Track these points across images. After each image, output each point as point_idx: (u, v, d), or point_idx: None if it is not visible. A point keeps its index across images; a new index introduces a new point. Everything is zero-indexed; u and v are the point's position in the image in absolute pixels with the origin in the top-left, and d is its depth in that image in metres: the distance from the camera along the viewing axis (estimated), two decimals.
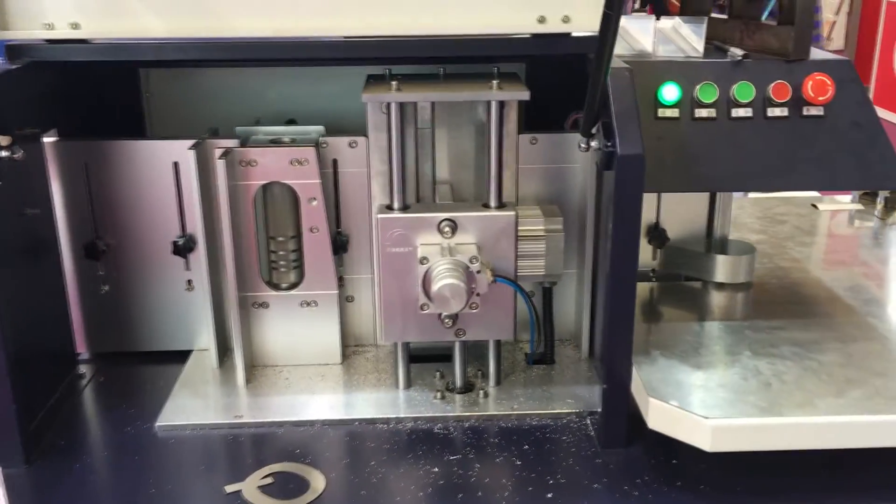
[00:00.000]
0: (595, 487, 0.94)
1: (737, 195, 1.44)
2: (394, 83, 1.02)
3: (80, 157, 1.14)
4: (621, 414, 0.99)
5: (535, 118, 1.20)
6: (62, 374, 1.16)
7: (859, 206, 1.58)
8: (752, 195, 1.63)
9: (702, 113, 1.04)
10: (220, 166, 1.05)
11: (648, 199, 1.24)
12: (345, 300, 1.21)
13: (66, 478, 0.96)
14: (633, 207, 0.92)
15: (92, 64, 1.05)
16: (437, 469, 0.97)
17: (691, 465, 0.96)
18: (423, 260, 1.02)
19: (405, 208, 1.06)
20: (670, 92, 1.02)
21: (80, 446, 1.02)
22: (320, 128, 1.19)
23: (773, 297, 1.19)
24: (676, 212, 1.27)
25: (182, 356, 1.21)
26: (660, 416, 0.91)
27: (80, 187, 1.15)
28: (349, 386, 1.14)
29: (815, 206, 1.59)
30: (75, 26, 1.00)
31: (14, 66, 1.01)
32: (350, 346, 1.23)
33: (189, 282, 1.19)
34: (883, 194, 1.52)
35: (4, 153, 0.94)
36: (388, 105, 1.03)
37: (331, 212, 1.16)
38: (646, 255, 1.26)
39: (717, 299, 1.19)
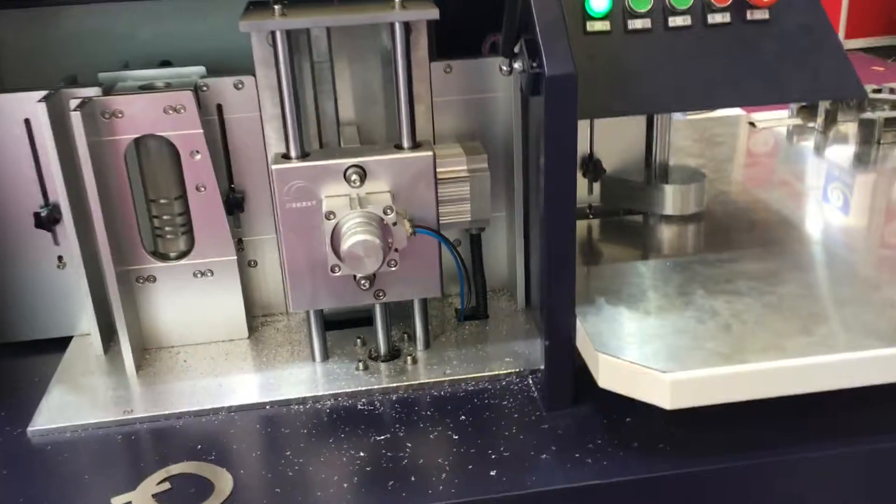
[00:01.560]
0: (543, 458, 0.83)
1: (675, 116, 1.34)
2: (277, 7, 0.86)
3: None
4: (566, 371, 0.88)
5: (448, 44, 1.05)
6: None
7: (798, 121, 1.49)
8: (687, 115, 1.52)
9: (635, 24, 0.91)
10: (75, 119, 0.88)
11: (580, 128, 1.12)
12: (247, 265, 1.06)
13: None
14: (567, 135, 0.79)
15: None
16: (362, 453, 0.85)
17: (647, 423, 0.85)
18: (330, 215, 0.87)
19: (304, 156, 0.91)
20: (599, 2, 0.89)
21: None
22: (200, 69, 1.02)
23: (720, 227, 1.08)
24: (611, 139, 1.14)
25: (61, 344, 1.05)
26: (611, 374, 0.80)
27: None
28: (258, 364, 1.00)
29: (752, 123, 1.49)
30: None
31: None
32: (258, 317, 1.09)
33: (60, 258, 1.02)
34: (823, 106, 1.43)
35: None
36: (273, 35, 0.87)
37: (220, 165, 1.00)
38: (581, 189, 1.14)
39: (662, 233, 1.08)
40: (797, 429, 0.84)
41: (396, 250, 0.90)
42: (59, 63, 1.09)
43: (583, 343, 0.85)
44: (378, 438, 0.87)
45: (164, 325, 1.02)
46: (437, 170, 0.94)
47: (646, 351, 0.80)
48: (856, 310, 0.85)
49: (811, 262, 0.97)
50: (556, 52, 0.77)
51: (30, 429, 0.90)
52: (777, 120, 1.51)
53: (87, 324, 1.03)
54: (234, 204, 1.02)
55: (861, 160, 1.31)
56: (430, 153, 0.91)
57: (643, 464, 0.81)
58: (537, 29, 0.78)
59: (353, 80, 1.01)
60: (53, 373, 0.99)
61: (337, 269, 0.89)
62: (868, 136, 1.34)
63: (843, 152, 1.34)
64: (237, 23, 0.87)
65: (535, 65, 0.79)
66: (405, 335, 1.02)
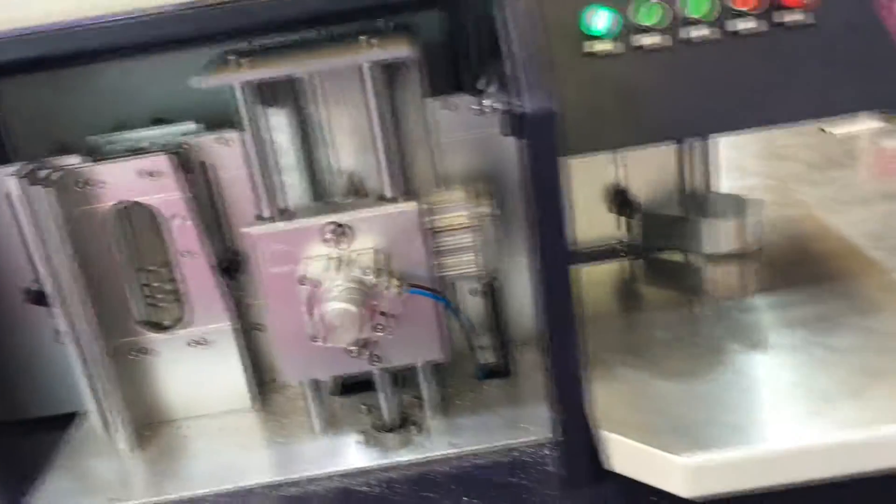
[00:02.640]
0: None
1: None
2: (232, 58, 0.79)
3: None
4: (583, 446, 0.76)
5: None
6: None
7: (881, 124, 1.31)
8: None
9: (644, 40, 0.79)
10: (40, 194, 0.84)
11: (607, 159, 1.01)
12: (253, 330, 0.99)
13: None
14: (552, 179, 0.68)
15: None
16: None
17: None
18: (303, 280, 0.79)
19: (284, 215, 0.84)
20: (598, 18, 0.78)
21: None
22: (194, 126, 0.97)
23: (774, 263, 0.94)
24: (646, 167, 1.02)
25: (67, 420, 1.01)
26: (619, 455, 0.68)
27: None
28: (259, 439, 0.93)
29: (823, 129, 1.32)
30: None
31: None
32: (268, 383, 1.02)
33: (58, 332, 0.98)
34: None
35: None
36: (237, 88, 0.80)
37: (213, 227, 0.94)
38: (611, 226, 1.02)
39: (701, 275, 0.95)
40: None
41: (384, 314, 0.81)
42: (64, 127, 1.07)
43: (597, 415, 0.74)
44: None
45: (164, 398, 0.97)
46: (434, 218, 0.85)
47: (660, 426, 0.68)
48: None
49: (878, 303, 0.82)
50: (536, 88, 0.67)
51: None
52: (858, 124, 1.33)
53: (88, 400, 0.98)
54: (233, 267, 0.96)
55: None
56: (419, 204, 0.82)
57: None
58: (512, 59, 0.68)
59: (349, 127, 0.94)
60: (54, 452, 0.95)
61: (317, 339, 0.80)
62: None
63: None
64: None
65: (514, 103, 0.68)
66: (414, 401, 0.93)
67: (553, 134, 0.67)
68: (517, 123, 0.70)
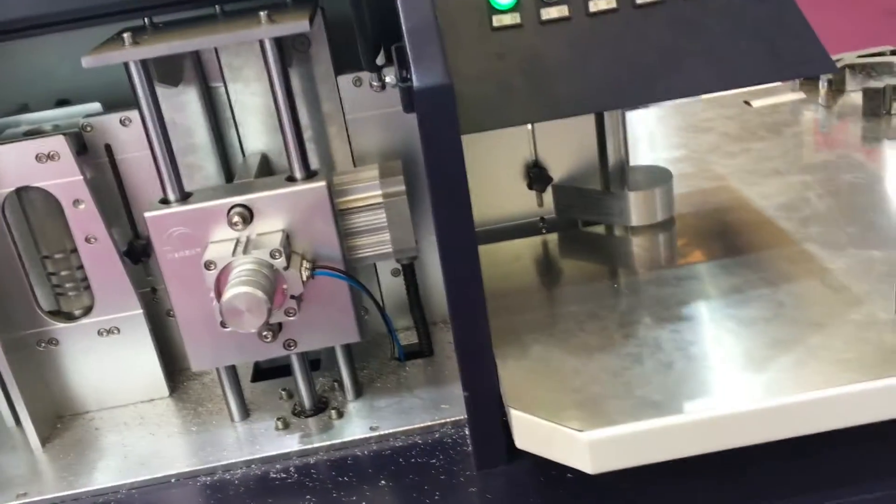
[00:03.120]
0: None
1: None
2: (126, 36, 0.75)
3: None
4: (494, 424, 0.76)
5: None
6: None
7: (801, 95, 1.32)
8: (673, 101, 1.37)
9: (550, 13, 0.78)
10: None
11: (519, 133, 1.00)
12: (164, 315, 0.97)
13: None
14: (451, 155, 0.67)
15: None
16: None
17: (592, 479, 0.73)
18: (210, 264, 0.77)
19: (185, 198, 0.81)
20: None
21: None
22: (95, 105, 0.93)
23: (690, 235, 0.94)
24: (560, 141, 1.01)
25: None
26: (526, 433, 0.68)
27: None
28: (173, 428, 0.90)
29: (747, 102, 1.33)
30: None
31: None
32: (184, 371, 0.99)
33: None
34: (825, 77, 1.26)
35: None
36: (127, 66, 0.77)
37: (119, 211, 0.91)
38: (530, 201, 1.01)
39: (617, 249, 0.95)
40: (756, 480, 0.70)
41: (294, 297, 0.79)
42: None
43: (504, 393, 0.73)
44: None
45: (75, 390, 0.94)
46: (345, 199, 0.84)
47: (567, 401, 0.68)
48: (828, 337, 0.70)
49: (787, 274, 0.82)
50: (426, 61, 0.65)
51: None
52: (778, 96, 1.34)
53: None
54: (139, 252, 0.93)
55: (867, 137, 1.14)
56: (322, 183, 0.80)
57: None
58: (404, 32, 0.66)
59: (257, 106, 0.91)
60: None
61: (225, 324, 0.78)
62: (875, 107, 1.17)
63: (846, 129, 1.18)
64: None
65: (405, 76, 0.67)
66: (335, 383, 0.92)
67: (447, 108, 0.65)
68: (410, 98, 0.68)
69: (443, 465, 0.79)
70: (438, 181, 0.67)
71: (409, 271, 0.94)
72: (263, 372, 0.98)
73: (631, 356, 0.72)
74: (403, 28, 0.66)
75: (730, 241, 0.91)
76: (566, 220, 1.00)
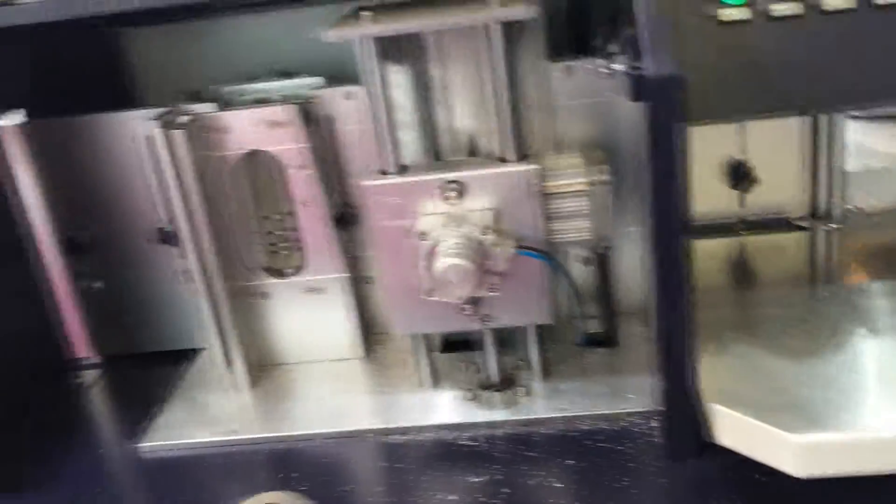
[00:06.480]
0: None
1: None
2: (365, 14, 0.80)
3: (52, 138, 1.00)
4: (689, 418, 0.76)
5: (578, 43, 0.95)
6: (53, 387, 1.04)
7: None
8: None
9: (781, 9, 0.77)
10: (178, 137, 0.88)
11: (727, 133, 0.98)
12: (362, 282, 1.02)
13: None
14: (668, 147, 0.67)
15: (58, 28, 0.88)
16: (455, 497, 0.78)
17: (787, 484, 0.71)
18: (424, 235, 0.81)
19: (402, 171, 0.86)
20: None
21: (61, 471, 0.89)
22: (317, 80, 1.00)
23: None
24: (769, 141, 0.99)
25: (186, 356, 1.06)
26: (727, 428, 0.67)
27: (54, 173, 1.01)
28: (366, 387, 0.96)
29: None
30: None
31: None
32: (375, 335, 1.04)
33: (186, 273, 1.04)
34: None
35: None
36: (362, 43, 0.82)
37: (332, 179, 0.97)
38: (731, 202, 0.99)
39: (825, 251, 0.92)
40: None
41: (498, 274, 0.82)
42: (191, 77, 1.11)
43: (703, 388, 0.73)
44: (474, 481, 0.79)
45: (278, 342, 1.01)
46: (551, 183, 0.85)
47: (773, 403, 0.67)
48: None
49: None
50: (659, 51, 0.66)
51: (142, 445, 0.91)
52: None
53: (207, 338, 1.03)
54: (347, 219, 0.99)
55: None
56: (535, 166, 0.82)
57: None
58: (639, 23, 0.67)
59: (468, 87, 0.94)
60: (174, 385, 1.01)
61: (431, 293, 0.82)
62: None
63: None
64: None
65: (636, 66, 0.68)
66: (520, 362, 0.94)
67: (675, 98, 0.66)
68: (639, 87, 0.69)
69: (631, 452, 0.80)
70: (661, 170, 0.68)
71: (602, 260, 0.95)
72: (448, 345, 1.02)
73: (835, 364, 0.70)
74: (640, 18, 0.67)
75: None
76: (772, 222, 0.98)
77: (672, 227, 0.69)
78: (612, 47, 0.73)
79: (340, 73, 0.98)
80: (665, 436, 0.77)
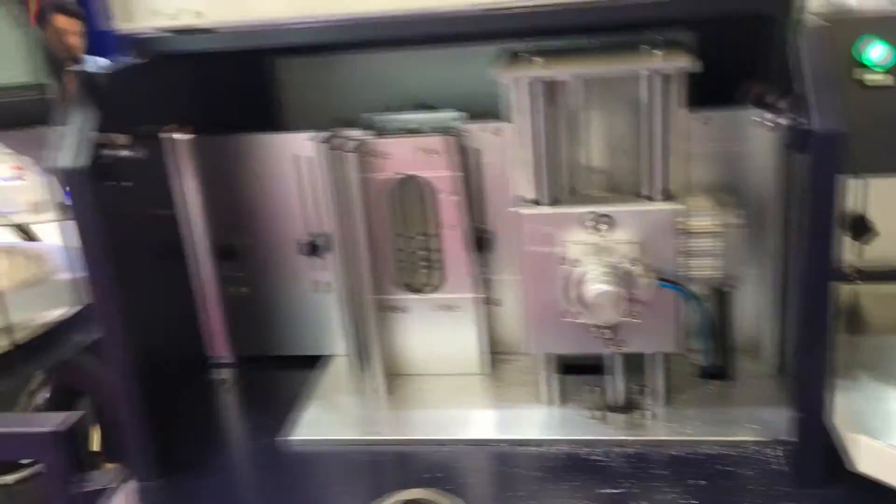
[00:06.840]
0: None
1: None
2: (538, 59, 0.88)
3: (214, 154, 1.08)
4: (819, 447, 0.81)
5: (704, 93, 1.02)
6: (197, 382, 1.12)
7: None
8: None
9: None
10: (351, 160, 0.96)
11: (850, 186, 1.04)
12: (490, 304, 1.09)
13: (198, 493, 0.92)
14: (831, 195, 0.74)
15: (221, 55, 0.98)
16: None
17: None
18: (575, 262, 0.88)
19: (554, 202, 0.93)
20: (879, 53, 0.82)
21: (210, 459, 0.97)
22: (457, 114, 1.07)
23: None
24: (888, 197, 1.05)
25: (310, 362, 1.14)
26: (873, 458, 0.73)
27: (213, 185, 1.09)
28: (494, 400, 1.03)
29: None
30: (199, 15, 0.94)
31: (137, 62, 0.96)
32: (498, 354, 1.11)
33: (319, 283, 1.11)
34: None
35: (125, 152, 0.89)
36: (532, 84, 0.89)
37: (474, 206, 1.05)
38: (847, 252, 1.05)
39: None
40: None
41: (640, 302, 0.89)
42: (331, 105, 1.19)
43: (839, 420, 0.79)
44: (610, 492, 0.85)
45: (409, 353, 1.08)
46: (690, 222, 0.92)
47: None
48: None
49: None
50: (825, 108, 0.73)
51: (290, 438, 0.98)
52: None
53: (340, 345, 1.11)
54: (484, 244, 1.06)
55: None
56: (681, 206, 0.89)
57: None
58: (806, 82, 0.74)
59: (605, 129, 1.02)
60: (306, 387, 1.08)
61: (576, 315, 0.89)
62: None
63: None
64: (488, 71, 0.90)
65: (801, 120, 0.75)
66: (640, 388, 1.00)
67: (838, 152, 0.73)
68: (802, 139, 0.75)
69: (757, 478, 0.86)
70: (815, 216, 0.74)
71: (723, 298, 1.01)
72: (567, 368, 1.08)
73: None
74: (806, 76, 0.74)
75: None
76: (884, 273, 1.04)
77: (822, 270, 0.76)
78: (780, 102, 0.80)
79: (469, 108, 1.05)
80: (797, 463, 0.82)
